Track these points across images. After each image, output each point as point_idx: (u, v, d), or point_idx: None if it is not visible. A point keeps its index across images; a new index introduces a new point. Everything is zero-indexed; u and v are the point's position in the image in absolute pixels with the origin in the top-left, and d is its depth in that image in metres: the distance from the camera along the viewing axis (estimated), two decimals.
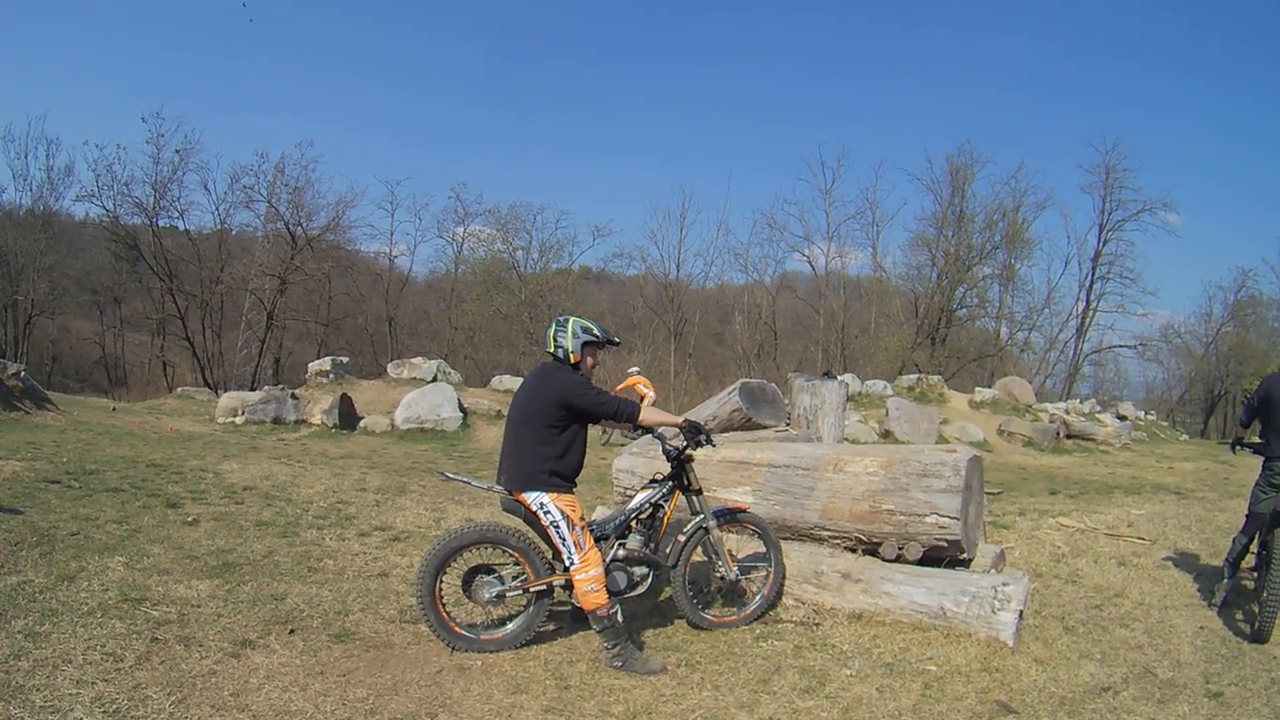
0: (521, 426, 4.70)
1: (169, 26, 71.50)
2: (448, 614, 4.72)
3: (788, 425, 7.47)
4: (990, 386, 26.58)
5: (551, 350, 4.81)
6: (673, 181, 79.61)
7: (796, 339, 44.09)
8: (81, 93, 69.53)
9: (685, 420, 5.02)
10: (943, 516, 5.21)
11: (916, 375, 26.62)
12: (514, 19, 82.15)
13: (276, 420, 17.22)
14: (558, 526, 4.57)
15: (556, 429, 4.63)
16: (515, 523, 4.87)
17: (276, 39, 74.99)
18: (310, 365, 21.96)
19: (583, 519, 4.68)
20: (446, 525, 7.74)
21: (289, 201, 36.15)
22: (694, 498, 5.16)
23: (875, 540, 5.50)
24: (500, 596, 4.79)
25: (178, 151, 34.52)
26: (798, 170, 62.27)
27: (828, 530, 5.70)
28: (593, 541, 4.68)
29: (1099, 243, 40.86)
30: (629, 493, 6.31)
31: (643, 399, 19.98)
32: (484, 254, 43.52)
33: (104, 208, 33.66)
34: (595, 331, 4.82)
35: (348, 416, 17.48)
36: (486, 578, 4.80)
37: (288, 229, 36.12)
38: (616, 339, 5.04)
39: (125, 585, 5.14)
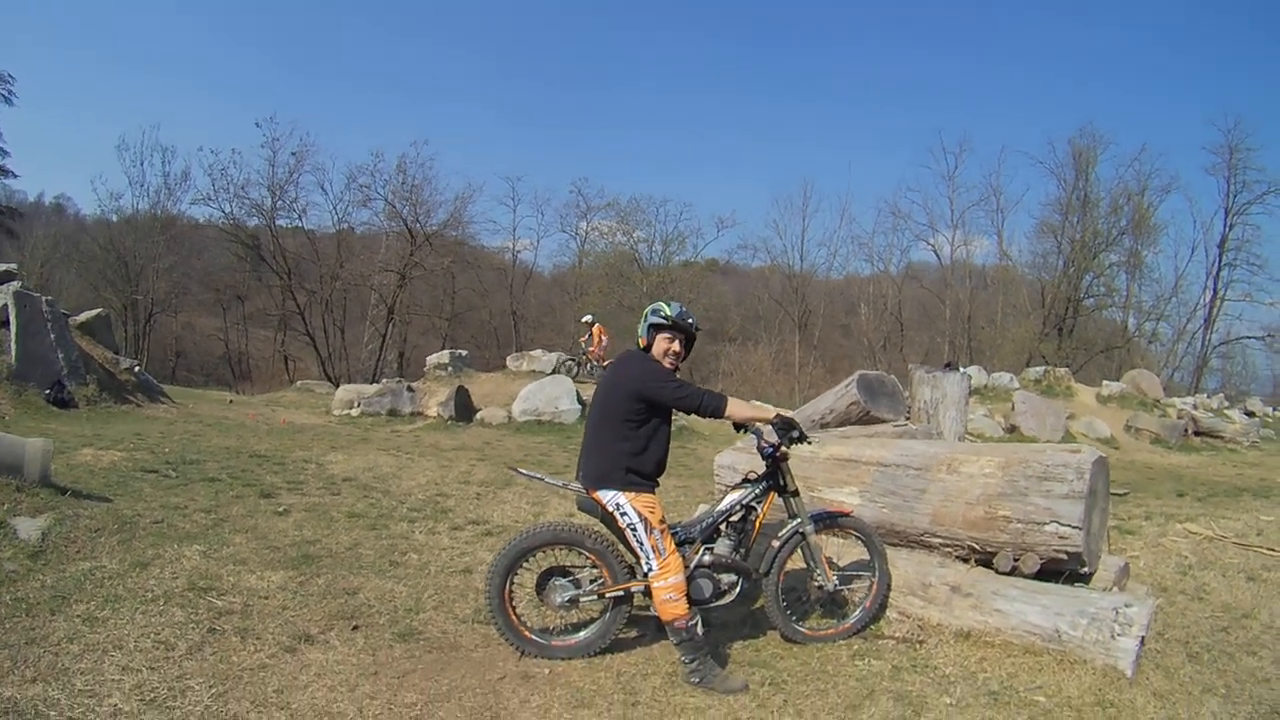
0: (599, 420, 4.56)
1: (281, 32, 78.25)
2: (518, 617, 4.61)
3: (908, 419, 7.35)
4: (1118, 380, 27.28)
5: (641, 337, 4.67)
6: (794, 169, 79.71)
7: (923, 330, 44.61)
8: (194, 101, 76.98)
9: (778, 415, 4.69)
10: (1063, 525, 4.85)
11: (1044, 368, 27.32)
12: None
13: (392, 412, 17.94)
14: (635, 529, 4.38)
15: (634, 423, 4.44)
16: (592, 523, 4.72)
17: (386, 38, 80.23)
18: (429, 358, 22.81)
19: (663, 521, 4.45)
20: (546, 521, 7.73)
21: (406, 199, 38.42)
22: (790, 499, 4.84)
23: (989, 550, 5.23)
24: (574, 601, 4.63)
25: (293, 154, 37.56)
26: (920, 156, 61.05)
27: (938, 537, 5.45)
28: (674, 546, 4.45)
29: (1225, 227, 40.54)
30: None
31: (598, 344, 22.26)
32: (606, 246, 45.21)
33: (221, 210, 36.92)
34: (665, 313, 4.60)
35: (464, 409, 17.99)
36: (561, 580, 4.65)
37: (406, 226, 38.25)
38: (694, 322, 4.71)
39: (196, 574, 5.33)
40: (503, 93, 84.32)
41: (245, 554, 5.90)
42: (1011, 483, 5.11)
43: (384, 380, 20.83)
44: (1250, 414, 25.77)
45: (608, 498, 4.43)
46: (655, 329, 4.59)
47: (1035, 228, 45.13)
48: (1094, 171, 40.86)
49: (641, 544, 4.39)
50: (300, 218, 38.96)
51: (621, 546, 4.57)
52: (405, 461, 10.53)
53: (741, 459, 6.38)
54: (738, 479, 5.96)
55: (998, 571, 5.14)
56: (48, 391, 12.65)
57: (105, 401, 13.66)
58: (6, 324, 13.05)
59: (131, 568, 5.29)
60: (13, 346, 12.78)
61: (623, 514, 4.40)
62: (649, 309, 4.66)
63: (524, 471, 5.02)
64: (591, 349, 22.42)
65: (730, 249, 51.77)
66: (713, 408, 4.44)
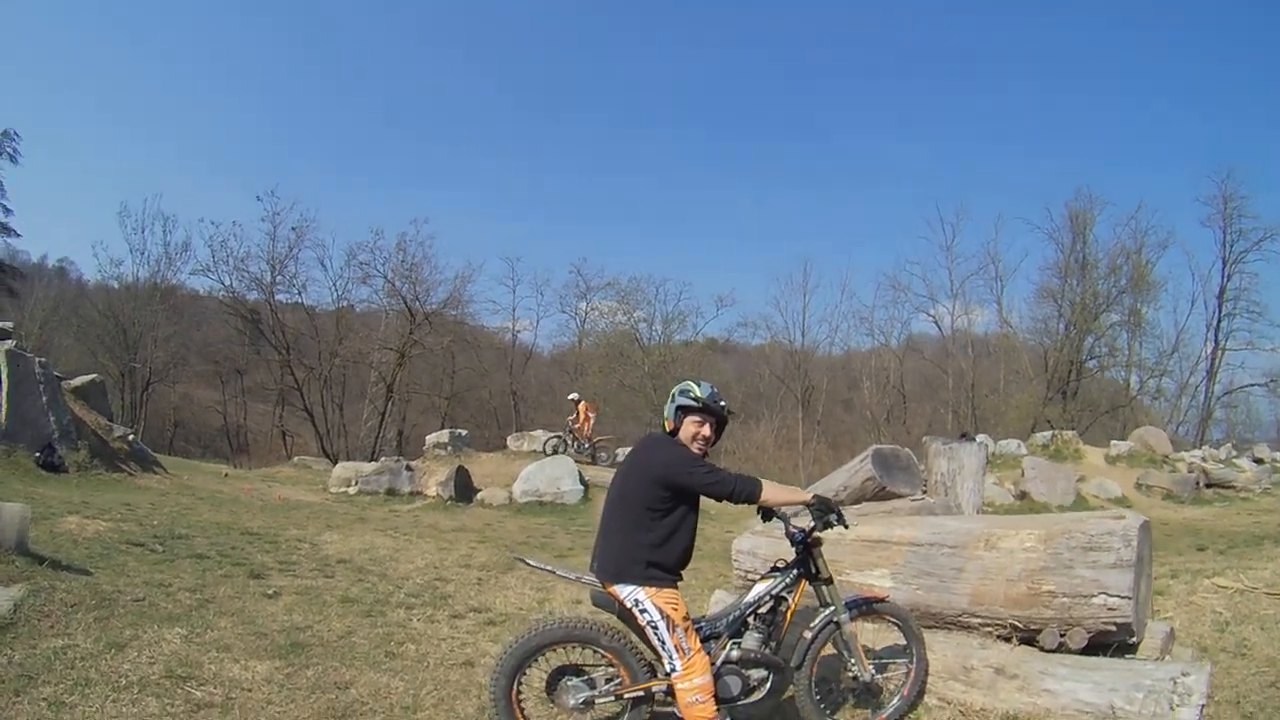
0: (618, 507, 4.24)
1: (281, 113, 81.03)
2: (526, 719, 4.24)
3: (924, 493, 7.25)
4: (1125, 439, 27.46)
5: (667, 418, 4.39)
6: (794, 244, 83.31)
7: (925, 401, 45.13)
8: (195, 169, 79.89)
9: (814, 496, 4.40)
10: (1112, 596, 4.72)
11: (1050, 432, 27.85)
12: (636, 94, 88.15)
13: (390, 491, 17.73)
14: (656, 627, 4.04)
15: (658, 512, 4.13)
16: (608, 618, 4.36)
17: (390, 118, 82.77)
18: (428, 437, 22.86)
19: (687, 618, 4.12)
20: (551, 609, 7.34)
21: (406, 277, 38.68)
22: (823, 587, 4.54)
23: (1033, 627, 5.05)
24: (589, 703, 4.24)
25: (294, 229, 37.95)
26: (918, 229, 62.26)
27: (978, 617, 5.26)
28: (699, 643, 4.12)
29: (1223, 278, 41.62)
30: (750, 577, 6.01)
31: (585, 422, 21.78)
32: (606, 326, 45.53)
33: (220, 282, 37.05)
34: (695, 394, 4.31)
35: (464, 489, 17.82)
36: (574, 680, 4.26)
37: (405, 304, 38.49)
38: (726, 405, 4.44)
39: (176, 659, 4.98)
40: (498, 178, 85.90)
41: (230, 640, 5.54)
42: (1055, 555, 4.98)
43: (383, 458, 20.69)
44: (1259, 461, 26.03)
45: (626, 593, 4.08)
46: (684, 411, 4.30)
47: (1035, 293, 45.88)
48: (1091, 233, 41.96)
49: (664, 643, 4.04)
50: (300, 293, 39.26)
51: (641, 643, 4.21)
52: (403, 543, 10.22)
53: (762, 543, 6.19)
54: (758, 564, 5.69)
55: (1043, 649, 4.96)
56: (38, 454, 12.47)
57: (97, 468, 13.43)
58: None
59: (107, 649, 4.96)
60: (3, 406, 12.61)
61: (642, 611, 4.06)
62: (677, 389, 4.38)
63: (533, 562, 4.67)
64: (577, 426, 22.05)
65: (730, 327, 52.28)
66: (746, 493, 4.14)
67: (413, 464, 19.39)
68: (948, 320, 44.29)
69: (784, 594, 4.44)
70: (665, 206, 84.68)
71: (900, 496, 6.95)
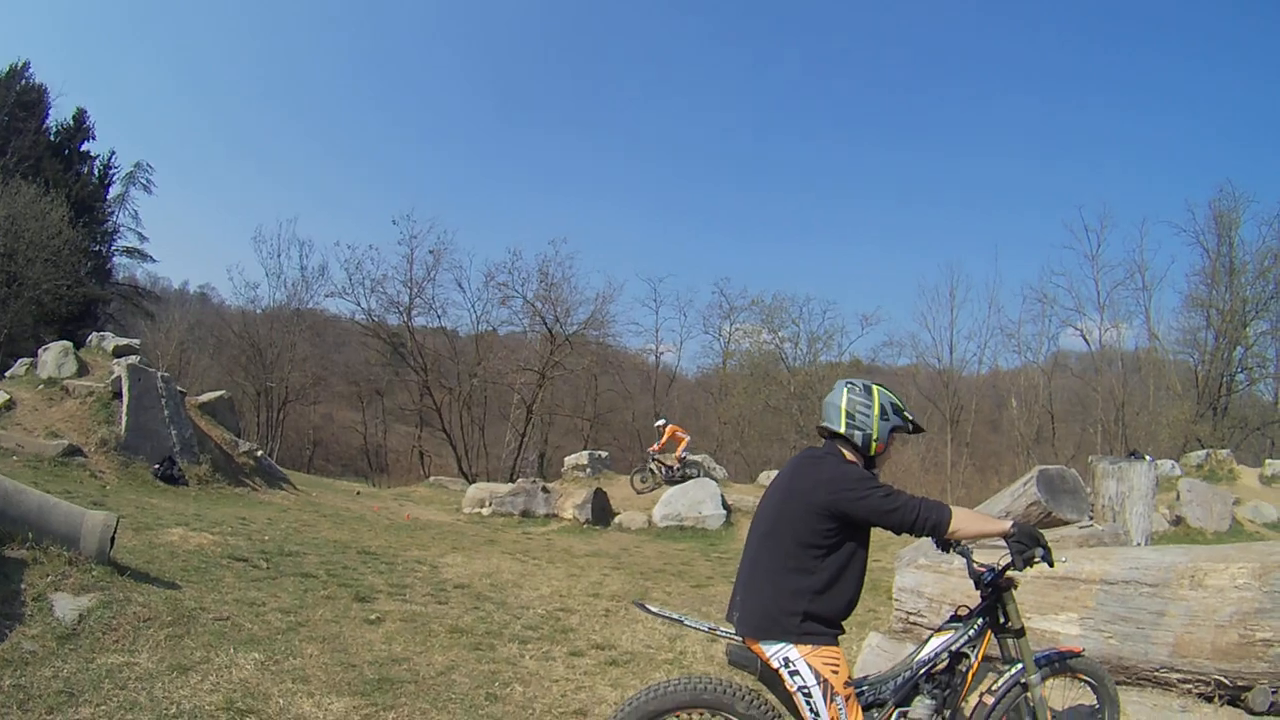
0: (766, 543, 3.35)
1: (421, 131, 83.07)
2: None
3: (1091, 519, 6.80)
4: (1278, 457, 26.72)
5: (840, 428, 3.44)
6: (938, 260, 77.50)
7: (1073, 421, 43.22)
8: (337, 193, 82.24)
9: (1014, 526, 3.42)
10: None
11: (1205, 451, 26.44)
12: (769, 99, 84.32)
13: (525, 513, 17.37)
14: (809, 694, 3.11)
15: (819, 550, 3.23)
16: (747, 680, 3.44)
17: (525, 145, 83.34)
18: (566, 459, 22.45)
19: (848, 683, 3.19)
20: (683, 649, 6.44)
21: (545, 298, 38.75)
22: (1011, 640, 3.57)
23: (1240, 683, 4.40)
24: None
25: (431, 252, 38.45)
26: (1062, 238, 58.98)
27: (1178, 671, 4.60)
28: (860, 713, 3.18)
29: None
30: (913, 620, 5.47)
31: (680, 444, 20.56)
32: (750, 346, 44.69)
33: (357, 304, 38.09)
34: (907, 414, 3.51)
35: (601, 512, 17.31)
36: None
37: (545, 325, 38.62)
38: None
39: (243, 688, 4.42)
40: (639, 189, 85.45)
41: (312, 669, 4.94)
42: (1272, 595, 4.34)
43: (519, 479, 20.28)
44: None
45: (773, 651, 3.17)
46: (896, 431, 3.47)
47: (1183, 302, 43.03)
48: (1237, 234, 39.07)
49: (818, 714, 3.11)
50: (440, 316, 39.93)
51: (786, 711, 3.25)
52: (530, 568, 9.68)
53: (928, 580, 5.56)
54: (922, 605, 4.81)
55: (1250, 712, 4.37)
56: (157, 466, 12.69)
57: (218, 482, 13.55)
58: (120, 395, 13.25)
59: (169, 670, 4.49)
60: (124, 418, 12.93)
61: (794, 673, 3.14)
62: (886, 401, 3.47)
63: (654, 609, 3.70)
64: (663, 454, 20.75)
65: (875, 347, 50.70)
66: (933, 523, 3.23)
67: (549, 485, 19.04)
68: (1095, 334, 42.45)
69: (965, 650, 3.47)
70: (807, 218, 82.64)
71: (1066, 523, 6.51)
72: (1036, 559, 3.36)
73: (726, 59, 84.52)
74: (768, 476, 21.86)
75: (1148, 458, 7.31)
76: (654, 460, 20.50)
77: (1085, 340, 43.02)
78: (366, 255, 37.26)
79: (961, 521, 3.25)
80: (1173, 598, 4.65)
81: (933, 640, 3.53)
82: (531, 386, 38.59)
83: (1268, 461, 25.24)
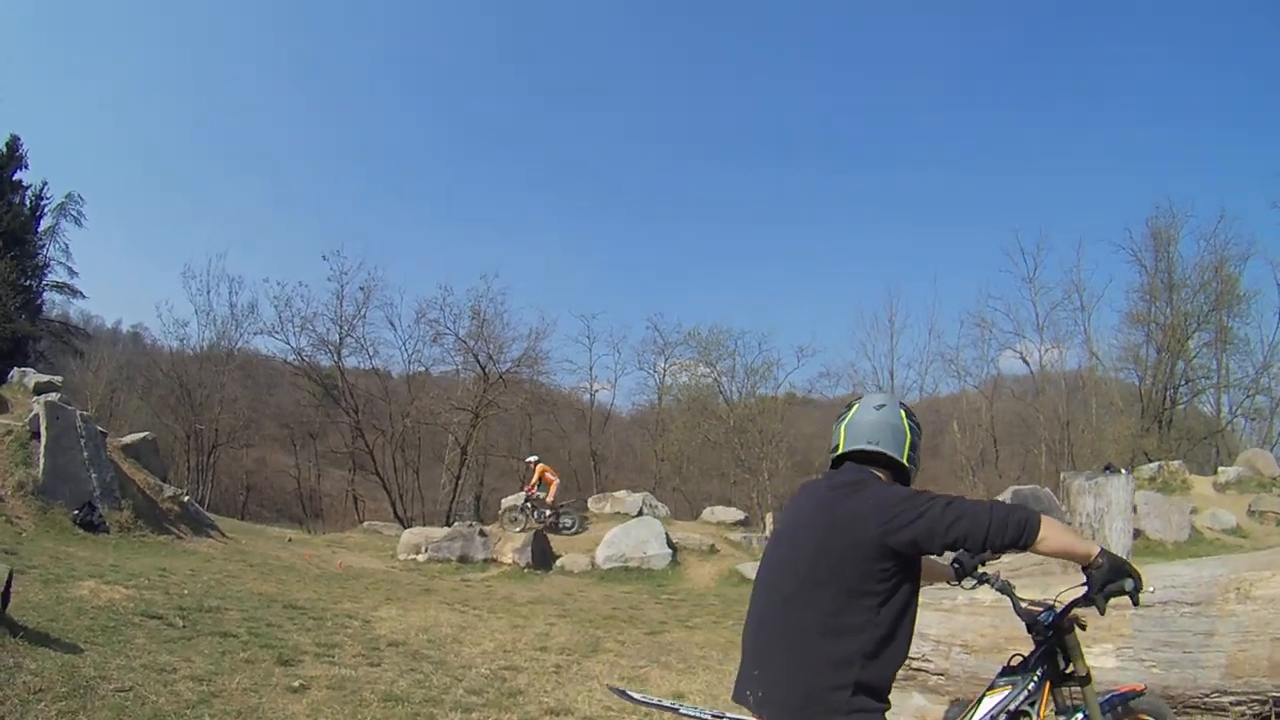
0: (798, 599, 2.63)
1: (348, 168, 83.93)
2: None
3: None
4: (1230, 464, 27.64)
5: (901, 456, 2.83)
6: (874, 287, 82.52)
7: (1016, 443, 44.25)
8: (267, 228, 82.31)
9: (1103, 553, 2.74)
10: None
11: (1157, 464, 27.42)
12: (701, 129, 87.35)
13: (463, 559, 16.86)
14: None
15: (874, 597, 2.56)
16: None
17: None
18: (504, 501, 21.89)
19: None
20: (648, 711, 5.96)
21: (477, 335, 38.24)
22: (1069, 690, 3.04)
23: None
24: None
25: (362, 289, 37.66)
26: (999, 262, 60.69)
27: (1231, 694, 4.44)
28: None
29: None
30: (916, 666, 5.00)
31: (550, 485, 20.05)
32: (687, 379, 44.74)
33: (287, 342, 37.11)
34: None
35: (542, 555, 16.91)
36: None
37: (478, 363, 38.13)
38: None
39: None
40: (569, 222, 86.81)
41: None
42: None
43: (455, 523, 19.68)
44: None
45: None
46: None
47: (1123, 319, 44.67)
48: (1175, 250, 40.94)
49: None
50: (371, 355, 39.27)
51: None
52: (471, 619, 9.21)
53: (932, 620, 5.05)
54: (929, 650, 4.45)
55: None
56: (76, 512, 12.11)
57: (141, 529, 12.90)
58: (38, 435, 12.61)
59: None
60: (41, 459, 12.32)
61: None
62: (909, 422, 2.87)
63: (636, 696, 3.14)
64: (528, 487, 20.46)
65: (812, 378, 51.12)
66: (1019, 527, 2.51)
67: (487, 529, 18.53)
68: (1035, 355, 43.87)
69: (1026, 707, 2.95)
70: (736, 248, 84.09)
71: None
72: (1125, 591, 2.74)
73: (661, 88, 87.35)
74: (711, 513, 21.68)
75: (1123, 472, 7.33)
76: (529, 501, 20.04)
77: (1025, 362, 44.40)
78: (296, 292, 36.19)
79: (1050, 530, 2.56)
80: (1220, 614, 4.50)
81: (986, 701, 2.96)
82: (465, 427, 37.99)
83: (1220, 469, 26.38)
